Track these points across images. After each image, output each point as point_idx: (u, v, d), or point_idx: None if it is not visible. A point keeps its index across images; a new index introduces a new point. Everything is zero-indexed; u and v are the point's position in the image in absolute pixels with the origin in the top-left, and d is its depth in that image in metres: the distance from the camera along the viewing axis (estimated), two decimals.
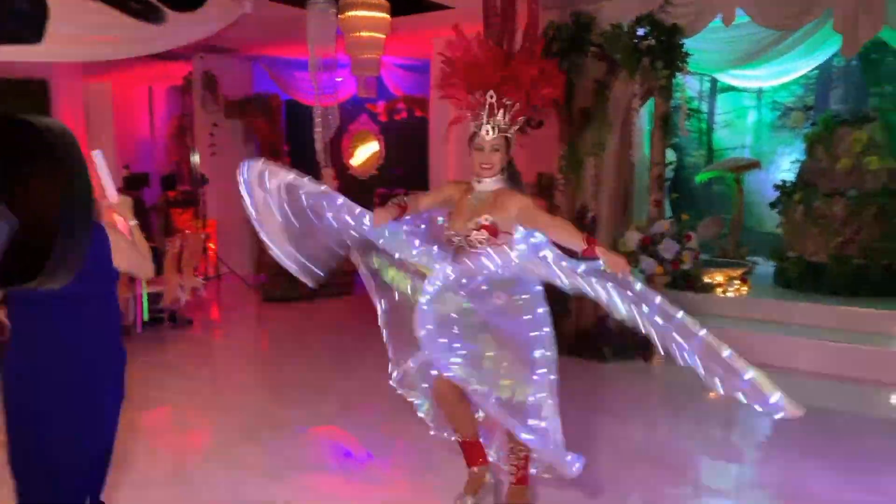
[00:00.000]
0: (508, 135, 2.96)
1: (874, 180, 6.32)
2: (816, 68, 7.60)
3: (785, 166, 7.58)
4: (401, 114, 10.38)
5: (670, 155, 8.20)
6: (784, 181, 6.99)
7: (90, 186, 1.86)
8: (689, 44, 6.06)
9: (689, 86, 8.51)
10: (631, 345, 5.92)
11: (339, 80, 8.81)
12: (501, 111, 2.92)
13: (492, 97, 2.91)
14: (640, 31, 5.84)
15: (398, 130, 10.49)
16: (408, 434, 4.06)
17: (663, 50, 5.74)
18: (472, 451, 3.17)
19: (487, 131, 2.92)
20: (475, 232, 2.90)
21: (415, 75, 9.64)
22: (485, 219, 2.88)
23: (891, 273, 6.18)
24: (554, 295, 5.61)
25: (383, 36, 6.50)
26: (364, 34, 6.31)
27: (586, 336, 5.95)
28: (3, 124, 1.75)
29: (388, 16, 6.39)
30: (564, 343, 6.19)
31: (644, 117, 6.65)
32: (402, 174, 9.96)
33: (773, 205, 7.02)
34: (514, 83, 2.97)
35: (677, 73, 5.97)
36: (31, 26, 4.35)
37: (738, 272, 6.55)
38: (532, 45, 4.37)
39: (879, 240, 6.19)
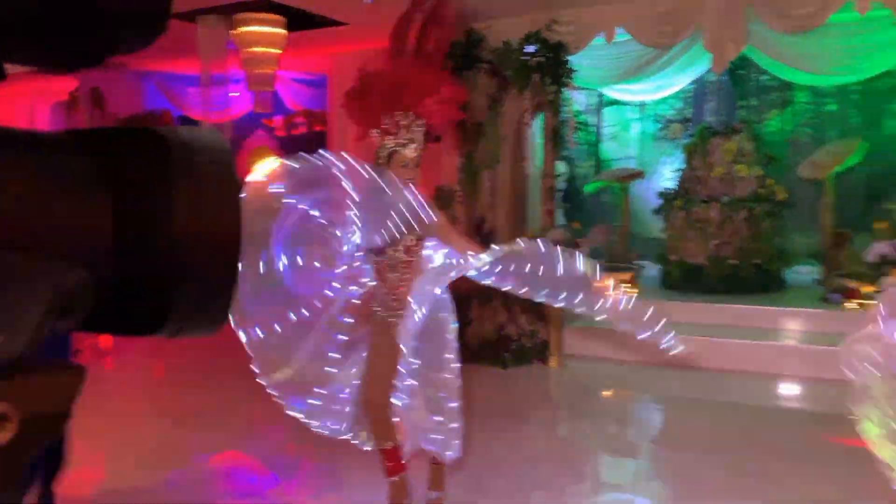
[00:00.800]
0: (423, 149, 3.08)
1: (744, 187, 6.86)
2: (692, 83, 8.15)
3: (667, 175, 8.07)
4: (299, 128, 10.29)
5: (561, 166, 8.57)
6: (666, 189, 7.46)
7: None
8: (575, 60, 6.38)
9: (578, 100, 8.92)
10: (529, 350, 6.14)
11: (235, 94, 8.67)
12: (419, 128, 3.03)
13: (409, 116, 3.01)
14: (529, 48, 6.11)
15: (297, 145, 10.38)
16: (315, 454, 4.04)
17: (551, 66, 6.03)
18: (396, 458, 3.22)
19: (413, 149, 3.01)
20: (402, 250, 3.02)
21: (313, 90, 9.59)
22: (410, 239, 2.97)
23: (761, 272, 6.72)
24: (456, 304, 5.75)
25: (279, 51, 6.46)
26: (259, 49, 6.26)
27: (487, 343, 6.11)
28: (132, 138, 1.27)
29: (283, 31, 6.36)
30: (467, 351, 6.34)
31: (536, 130, 6.93)
32: None
33: (656, 211, 7.47)
34: (423, 102, 3.09)
35: (565, 88, 6.27)
36: None
37: (627, 276, 6.91)
38: (441, 64, 4.52)
39: (750, 241, 6.72)
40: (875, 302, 2.28)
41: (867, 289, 5.35)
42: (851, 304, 5.77)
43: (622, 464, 4.36)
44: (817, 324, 5.95)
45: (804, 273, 7.36)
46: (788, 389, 5.63)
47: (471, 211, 6.25)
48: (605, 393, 5.74)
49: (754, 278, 6.72)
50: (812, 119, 7.96)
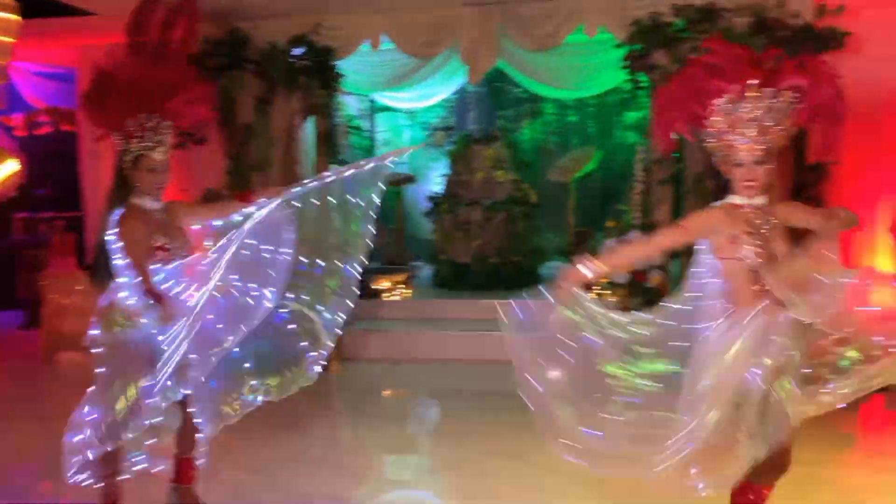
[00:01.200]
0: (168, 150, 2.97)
1: (502, 191, 7.47)
2: (456, 93, 8.67)
3: (435, 180, 8.50)
4: (43, 128, 9.20)
5: None
6: (434, 193, 7.86)
7: None
8: (344, 65, 6.48)
9: (351, 105, 9.04)
10: None
11: None
12: (166, 130, 2.91)
13: (153, 118, 2.87)
14: (296, 51, 6.09)
15: (42, 146, 9.26)
16: (73, 489, 3.65)
17: (318, 70, 6.07)
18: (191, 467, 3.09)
19: (161, 151, 2.89)
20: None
21: (59, 84, 8.62)
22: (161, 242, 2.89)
23: (518, 269, 7.35)
24: None
25: (12, 40, 5.73)
26: None
27: None
28: None
29: (15, 17, 5.65)
30: None
31: (307, 134, 6.91)
32: (51, 195, 8.84)
33: (426, 214, 7.85)
34: (169, 103, 2.96)
35: (335, 93, 6.35)
36: None
37: (402, 277, 7.18)
38: (187, 60, 4.29)
39: (509, 241, 7.33)
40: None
41: (604, 280, 6.06)
42: (592, 295, 6.52)
43: (404, 460, 4.49)
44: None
45: (557, 268, 8.15)
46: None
47: None
48: (385, 393, 5.90)
49: (514, 275, 7.31)
50: (558, 129, 8.88)
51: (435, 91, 8.15)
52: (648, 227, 5.62)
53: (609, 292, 5.99)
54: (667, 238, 2.65)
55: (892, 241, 5.58)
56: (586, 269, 2.56)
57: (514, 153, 7.90)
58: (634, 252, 2.77)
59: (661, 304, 2.70)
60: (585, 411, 2.49)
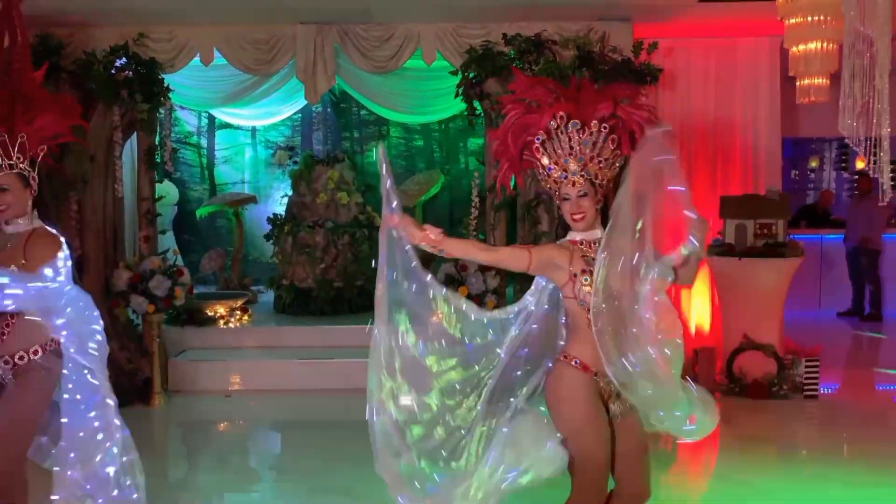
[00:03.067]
0: (22, 171, 2.67)
1: (347, 213, 7.33)
2: (299, 112, 8.47)
3: (277, 201, 8.21)
4: None
5: (172, 189, 8.13)
6: (276, 214, 7.57)
7: None
8: (177, 80, 6.11)
9: (186, 120, 8.58)
10: (130, 390, 5.62)
11: None
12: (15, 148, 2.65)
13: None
14: (119, 62, 5.66)
15: None
16: None
17: (142, 83, 5.66)
18: None
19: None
20: None
21: None
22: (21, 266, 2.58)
23: (363, 293, 7.22)
24: None
25: None
26: None
27: None
28: None
29: None
30: None
31: (131, 151, 6.44)
32: None
33: (267, 237, 7.54)
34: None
35: (161, 108, 5.95)
36: None
37: (239, 302, 6.82)
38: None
39: (353, 264, 7.19)
40: None
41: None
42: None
43: (248, 496, 4.24)
44: None
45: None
46: None
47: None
48: (214, 427, 5.54)
49: (358, 298, 7.18)
50: (404, 152, 8.92)
51: (276, 110, 7.92)
52: None
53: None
54: (510, 255, 2.54)
55: (707, 268, 6.05)
56: (432, 234, 2.46)
57: (359, 176, 7.80)
58: (472, 249, 2.61)
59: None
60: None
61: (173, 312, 6.15)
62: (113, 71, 5.58)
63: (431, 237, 2.44)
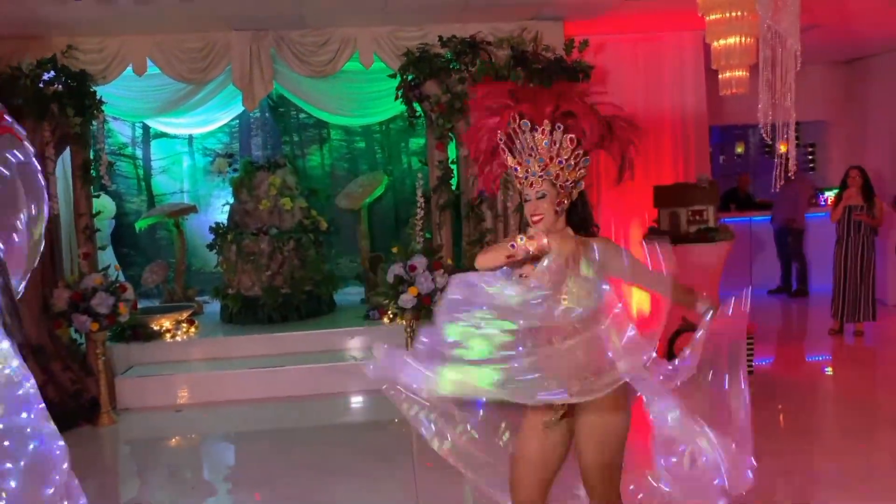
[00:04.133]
0: None
1: (291, 219, 7.28)
2: (236, 118, 8.36)
3: (219, 209, 8.10)
4: None
5: (108, 203, 7.92)
6: (218, 223, 7.46)
7: None
8: (110, 91, 5.99)
9: (120, 132, 8.37)
10: (75, 411, 5.50)
11: None
12: None
13: None
14: (47, 76, 5.51)
15: None
16: None
17: (73, 96, 5.53)
18: None
19: None
20: None
21: None
22: None
23: (312, 297, 7.22)
24: None
25: None
26: None
27: None
28: None
29: None
30: None
31: (64, 166, 6.27)
32: None
33: (210, 246, 7.43)
34: None
35: (94, 121, 5.82)
36: None
37: (185, 314, 6.72)
38: None
39: (300, 270, 7.17)
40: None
41: (393, 308, 6.10)
42: (385, 319, 6.57)
43: None
44: (364, 340, 6.37)
45: (353, 294, 8.14)
46: (352, 404, 5.97)
47: None
48: (163, 442, 5.46)
49: (307, 304, 7.16)
50: (346, 154, 8.90)
51: (213, 117, 7.82)
52: (431, 252, 5.81)
53: (399, 316, 6.07)
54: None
55: (645, 254, 6.28)
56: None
57: (301, 180, 7.77)
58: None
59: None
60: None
61: (117, 329, 6.03)
62: (41, 84, 5.43)
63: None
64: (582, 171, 2.47)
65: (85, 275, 5.51)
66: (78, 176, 5.81)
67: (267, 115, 8.66)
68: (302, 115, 8.60)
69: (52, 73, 5.52)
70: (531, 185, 2.41)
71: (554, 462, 2.54)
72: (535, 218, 2.41)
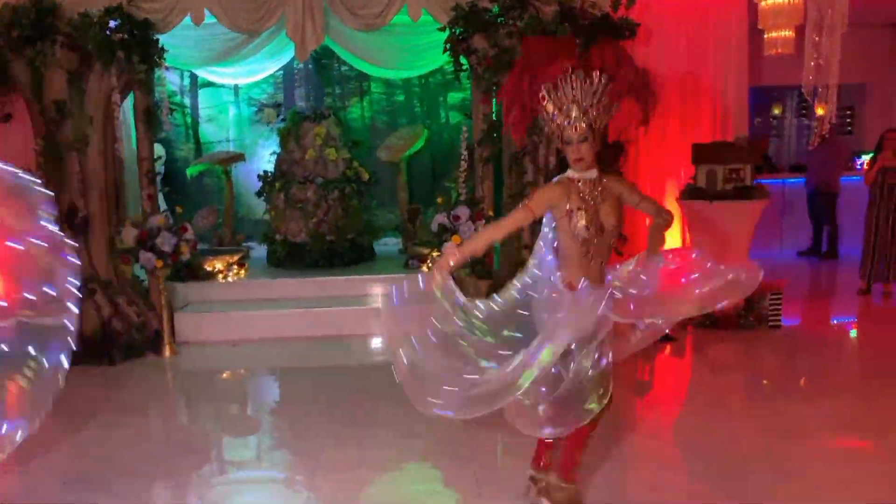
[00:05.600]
0: None
1: (335, 169, 7.56)
2: (282, 69, 8.58)
3: (266, 158, 8.39)
4: None
5: (160, 149, 8.22)
6: (266, 171, 7.77)
7: None
8: (165, 39, 6.22)
9: (171, 80, 8.62)
10: (140, 343, 5.90)
11: None
12: None
13: None
14: (113, 23, 5.75)
15: None
16: None
17: (138, 44, 5.78)
18: None
19: None
20: None
21: None
22: None
23: (354, 246, 7.54)
24: None
25: None
26: None
27: (92, 342, 5.67)
28: None
29: None
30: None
31: (127, 111, 6.57)
32: None
33: (258, 193, 7.75)
34: None
35: (157, 68, 6.07)
36: None
37: (235, 258, 7.08)
38: None
39: (343, 219, 7.47)
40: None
41: (435, 253, 6.42)
42: (425, 268, 6.87)
43: (246, 440, 4.50)
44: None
45: (390, 244, 8.44)
46: (384, 346, 6.30)
47: (59, 198, 5.65)
48: (222, 374, 5.84)
49: (349, 252, 7.48)
50: (386, 107, 9.09)
51: (261, 67, 8.03)
52: (474, 203, 6.06)
53: None
54: (515, 220, 2.88)
55: (680, 211, 6.48)
56: (450, 257, 2.80)
57: (344, 131, 8.00)
58: (489, 236, 2.97)
59: (508, 284, 3.03)
60: (446, 376, 2.73)
61: (176, 268, 6.38)
62: (108, 32, 5.68)
63: (451, 263, 2.79)
64: (610, 115, 2.82)
65: (149, 215, 5.84)
66: (141, 121, 6.10)
67: (310, 66, 8.84)
68: (344, 68, 8.78)
69: (117, 21, 5.74)
70: (575, 129, 2.73)
71: None
72: (578, 158, 2.76)
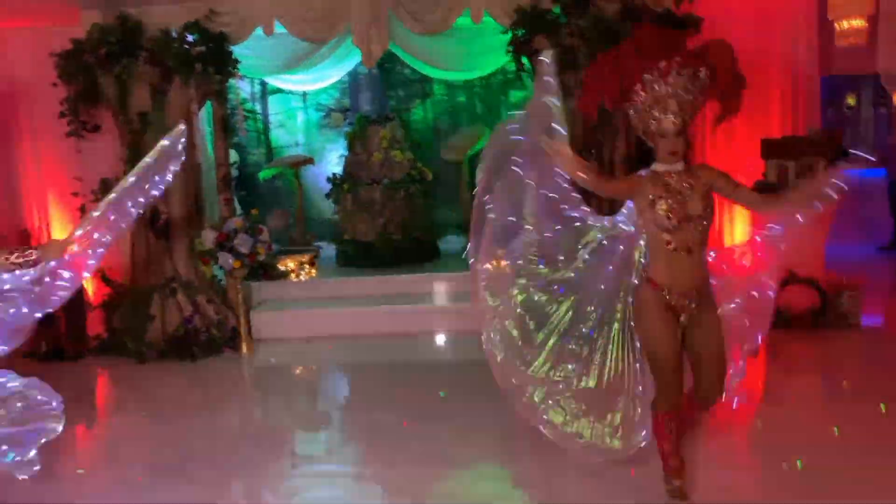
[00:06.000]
0: None
1: (400, 170, 7.75)
2: (348, 75, 8.82)
3: (333, 161, 8.65)
4: None
5: (234, 154, 8.60)
6: (334, 174, 8.03)
7: None
8: (237, 50, 6.52)
9: (242, 88, 9.00)
10: (219, 339, 6.21)
11: None
12: None
13: None
14: (190, 38, 6.07)
15: None
16: None
17: (214, 56, 6.08)
18: None
19: None
20: None
21: None
22: None
23: (419, 244, 7.70)
24: (140, 299, 5.60)
25: None
26: None
27: (174, 338, 6.02)
28: None
29: None
30: (154, 349, 6.18)
31: (204, 120, 6.90)
32: None
33: (327, 195, 8.01)
34: None
35: (231, 78, 6.38)
36: None
37: (306, 257, 7.35)
38: None
39: (408, 218, 7.65)
40: None
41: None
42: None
43: (315, 436, 4.67)
44: (467, 284, 6.91)
45: (454, 242, 8.55)
46: (451, 344, 6.35)
47: None
48: (295, 370, 6.09)
49: (414, 250, 7.65)
50: (448, 108, 9.23)
51: (328, 73, 8.28)
52: None
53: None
54: (611, 183, 3.10)
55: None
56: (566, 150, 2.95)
57: (408, 133, 8.17)
58: (589, 173, 3.03)
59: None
60: (546, 388, 2.88)
61: (252, 267, 6.67)
62: (187, 46, 6.00)
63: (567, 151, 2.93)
64: (701, 108, 2.89)
65: (227, 218, 6.14)
66: (218, 129, 6.42)
67: (374, 71, 9.05)
68: (406, 71, 8.95)
69: (195, 35, 6.05)
70: (672, 123, 2.77)
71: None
72: (673, 151, 2.81)
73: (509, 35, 6.06)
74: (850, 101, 10.79)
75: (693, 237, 2.81)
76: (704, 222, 2.84)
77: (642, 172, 2.93)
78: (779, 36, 6.74)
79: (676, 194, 2.79)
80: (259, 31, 6.45)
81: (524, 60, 6.17)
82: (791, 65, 6.80)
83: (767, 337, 5.73)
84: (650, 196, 2.82)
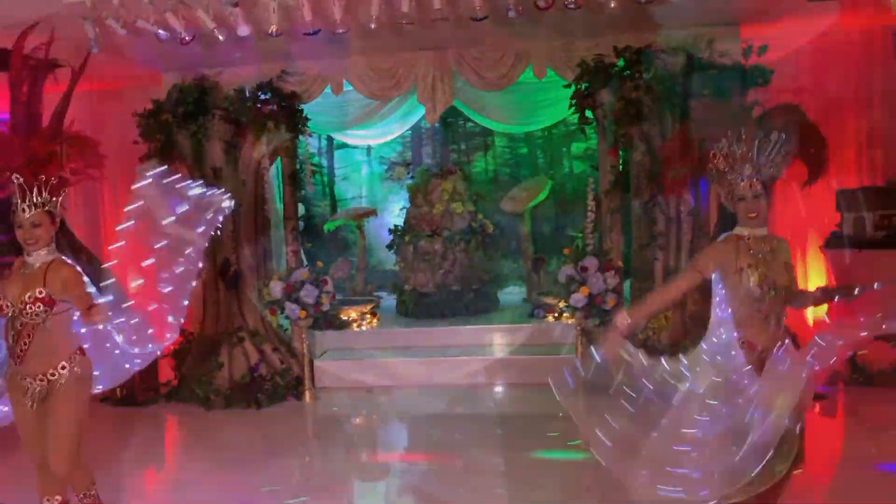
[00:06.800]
0: (50, 209, 3.04)
1: (461, 221, 7.81)
2: (410, 129, 9.04)
3: (395, 212, 8.80)
4: None
5: (300, 207, 8.85)
6: (396, 225, 8.15)
7: None
8: (307, 107, 6.78)
9: (309, 143, 9.31)
10: (283, 387, 6.28)
11: None
12: (36, 189, 3.01)
13: (18, 179, 3.01)
14: (263, 97, 6.35)
15: None
16: None
17: (285, 114, 6.33)
18: None
19: (24, 210, 3.00)
20: (30, 305, 2.97)
21: None
22: (38, 291, 2.96)
23: (479, 295, 7.68)
24: (209, 347, 5.74)
25: None
26: None
27: (241, 386, 6.13)
28: None
29: None
30: (221, 395, 6.29)
31: (274, 174, 7.15)
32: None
33: (389, 246, 8.12)
34: (37, 162, 3.13)
35: (302, 136, 6.62)
36: None
37: (368, 307, 7.41)
38: (57, 125, 4.63)
39: (468, 269, 7.67)
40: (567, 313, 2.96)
41: (562, 304, 6.44)
42: (550, 318, 6.91)
43: (374, 486, 4.66)
44: (527, 336, 6.81)
45: (514, 293, 8.53)
46: (511, 396, 6.28)
47: (214, 254, 6.23)
48: (356, 420, 6.09)
49: (474, 301, 7.64)
50: (509, 160, 9.33)
51: (393, 128, 8.51)
52: (602, 253, 6.04)
53: (568, 314, 6.39)
54: (684, 282, 2.90)
55: (824, 261, 6.15)
56: (624, 321, 2.84)
57: (469, 185, 8.26)
58: (660, 299, 3.01)
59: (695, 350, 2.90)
60: (655, 461, 2.66)
61: (315, 318, 6.78)
62: (259, 105, 6.28)
63: (627, 322, 2.82)
64: (781, 173, 2.83)
65: (294, 269, 6.27)
66: (288, 184, 6.64)
67: (437, 125, 9.25)
68: (469, 125, 9.12)
69: (267, 94, 6.32)
70: (749, 186, 2.74)
71: None
72: (753, 215, 2.75)
73: (572, 88, 6.11)
74: None
75: (777, 306, 2.76)
76: (789, 292, 2.78)
77: (722, 237, 2.87)
78: (853, 83, 6.58)
79: (762, 261, 2.74)
80: (328, 89, 6.70)
81: (587, 113, 6.21)
82: (867, 112, 6.61)
83: (846, 394, 5.56)
84: (738, 265, 2.75)
